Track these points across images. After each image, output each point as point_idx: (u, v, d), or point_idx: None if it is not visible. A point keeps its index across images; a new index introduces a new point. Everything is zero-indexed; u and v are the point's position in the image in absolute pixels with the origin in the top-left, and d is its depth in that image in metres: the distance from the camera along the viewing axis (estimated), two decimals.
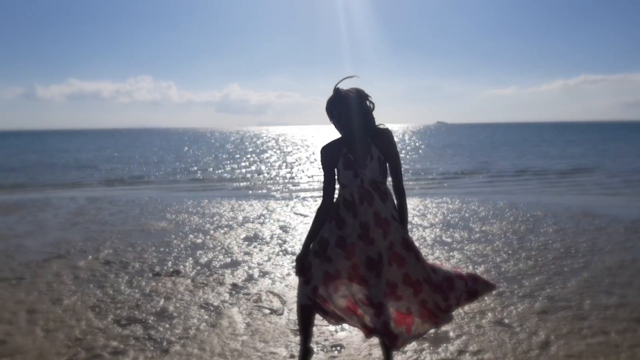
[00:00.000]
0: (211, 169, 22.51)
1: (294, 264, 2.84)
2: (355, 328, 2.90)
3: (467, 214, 8.36)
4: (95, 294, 4.57)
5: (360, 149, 2.63)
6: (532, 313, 3.90)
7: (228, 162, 27.17)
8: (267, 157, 30.66)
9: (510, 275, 4.89)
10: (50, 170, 22.51)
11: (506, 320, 3.77)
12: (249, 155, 32.53)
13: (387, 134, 2.65)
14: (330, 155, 2.69)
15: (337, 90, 2.60)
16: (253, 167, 23.26)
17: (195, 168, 22.97)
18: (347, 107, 2.58)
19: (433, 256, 5.65)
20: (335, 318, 2.79)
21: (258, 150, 38.89)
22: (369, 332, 2.75)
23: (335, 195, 2.75)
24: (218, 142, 58.97)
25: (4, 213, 9.48)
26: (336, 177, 2.70)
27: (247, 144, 53.91)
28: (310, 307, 2.76)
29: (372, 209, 2.59)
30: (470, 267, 5.17)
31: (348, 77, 2.64)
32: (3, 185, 16.52)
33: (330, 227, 2.69)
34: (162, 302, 4.34)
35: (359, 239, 2.61)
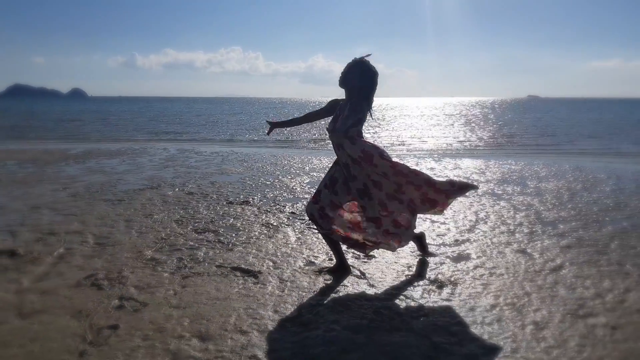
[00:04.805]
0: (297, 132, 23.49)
1: (267, 125, 3.84)
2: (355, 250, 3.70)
3: (527, 174, 8.46)
4: (179, 212, 5.50)
5: (341, 108, 3.47)
6: (556, 247, 4.21)
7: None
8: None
9: (548, 220, 5.15)
10: (146, 127, 24.73)
11: (528, 250, 4.13)
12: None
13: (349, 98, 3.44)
14: (335, 105, 3.55)
15: (353, 61, 3.42)
16: None
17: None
18: (342, 75, 3.41)
19: (479, 203, 5.99)
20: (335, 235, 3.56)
21: None
22: (364, 248, 3.57)
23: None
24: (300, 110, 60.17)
25: (108, 157, 10.97)
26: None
27: None
28: (311, 219, 3.56)
29: (345, 152, 3.40)
30: (512, 212, 5.48)
31: (368, 55, 3.44)
32: (107, 137, 18.62)
33: (339, 170, 3.51)
34: (231, 220, 5.16)
35: (346, 179, 3.47)
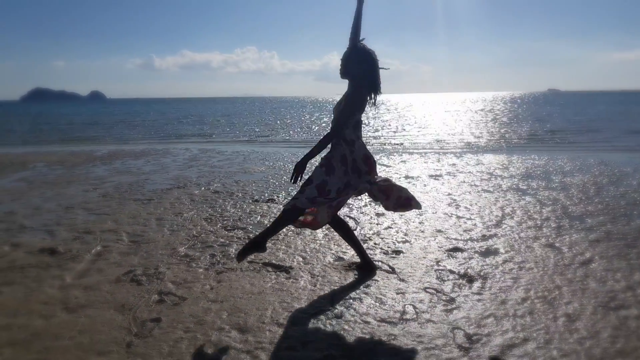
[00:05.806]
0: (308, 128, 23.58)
1: (294, 171, 3.41)
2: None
3: (551, 168, 8.39)
4: (207, 211, 5.62)
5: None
6: (585, 241, 4.21)
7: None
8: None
9: (576, 214, 5.14)
10: (168, 129, 25.10)
11: (557, 244, 4.14)
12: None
13: (350, 88, 3.31)
14: None
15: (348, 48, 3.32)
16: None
17: (298, 129, 24.24)
18: (342, 65, 3.31)
19: (504, 198, 5.98)
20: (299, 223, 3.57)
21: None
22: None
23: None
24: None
25: (133, 158, 11.21)
26: None
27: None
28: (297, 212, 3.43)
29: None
30: (538, 207, 5.47)
31: (362, 39, 3.31)
32: (132, 138, 18.98)
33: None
34: (259, 218, 5.26)
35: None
